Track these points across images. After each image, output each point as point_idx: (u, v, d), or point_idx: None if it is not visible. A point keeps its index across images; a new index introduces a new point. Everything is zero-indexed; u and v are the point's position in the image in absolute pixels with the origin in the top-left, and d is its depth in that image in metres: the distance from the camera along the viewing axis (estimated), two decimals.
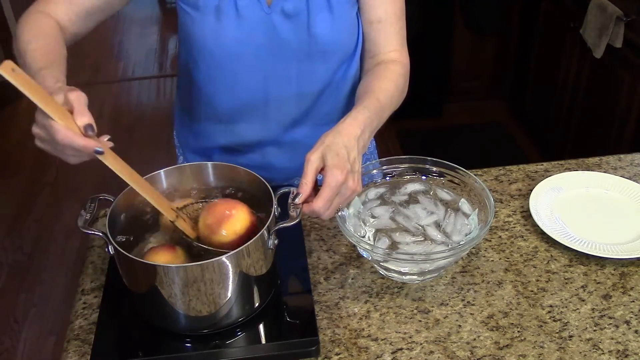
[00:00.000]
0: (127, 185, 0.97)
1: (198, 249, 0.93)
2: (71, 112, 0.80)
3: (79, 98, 0.81)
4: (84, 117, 0.79)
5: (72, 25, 1.07)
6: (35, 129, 0.82)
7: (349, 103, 1.22)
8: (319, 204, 0.88)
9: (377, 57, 1.16)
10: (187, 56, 1.17)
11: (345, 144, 0.92)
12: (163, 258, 0.91)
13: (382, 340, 0.94)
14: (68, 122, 0.79)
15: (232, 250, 0.86)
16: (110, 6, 1.11)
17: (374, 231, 1.05)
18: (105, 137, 0.84)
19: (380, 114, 1.03)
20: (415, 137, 3.07)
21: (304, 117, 1.21)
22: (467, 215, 1.06)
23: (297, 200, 0.89)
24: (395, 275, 1.02)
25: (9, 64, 0.73)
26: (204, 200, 1.01)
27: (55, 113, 0.78)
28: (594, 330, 0.95)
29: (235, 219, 0.91)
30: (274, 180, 1.10)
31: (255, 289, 0.93)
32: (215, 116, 1.22)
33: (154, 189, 0.93)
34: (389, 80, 1.10)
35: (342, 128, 0.95)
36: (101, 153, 0.81)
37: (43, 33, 1.00)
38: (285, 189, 0.98)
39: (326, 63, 1.15)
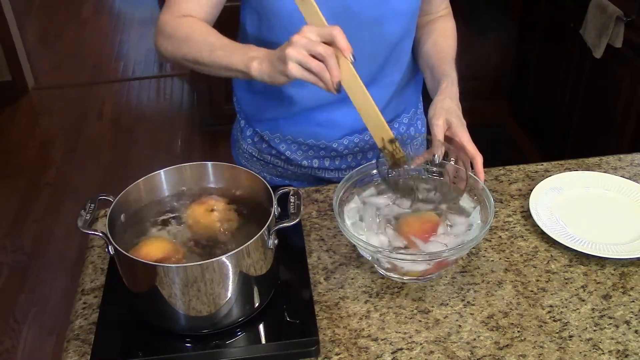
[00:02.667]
0: (127, 185, 0.97)
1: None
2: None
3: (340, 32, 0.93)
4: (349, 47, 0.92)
5: (210, 19, 1.14)
6: (292, 51, 0.92)
7: (409, 64, 1.29)
8: (476, 152, 1.06)
9: (431, 15, 1.30)
10: (260, 22, 1.18)
11: (457, 104, 1.12)
12: (154, 248, 0.91)
13: (382, 340, 0.94)
14: None
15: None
16: None
17: (377, 221, 1.05)
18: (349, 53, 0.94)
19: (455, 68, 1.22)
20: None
21: (371, 80, 1.23)
22: (467, 215, 1.06)
23: (437, 160, 1.06)
24: (395, 275, 1.02)
25: None
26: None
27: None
28: (594, 330, 0.95)
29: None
30: (332, 138, 1.28)
31: (255, 289, 0.93)
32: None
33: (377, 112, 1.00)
34: (452, 37, 1.30)
35: (449, 92, 1.13)
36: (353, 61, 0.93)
37: (202, 29, 1.10)
38: (285, 189, 0.98)
39: (395, 26, 1.18)
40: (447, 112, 1.08)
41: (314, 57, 0.92)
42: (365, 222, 1.04)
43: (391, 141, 1.02)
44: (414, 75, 1.34)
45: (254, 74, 1.00)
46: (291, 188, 0.98)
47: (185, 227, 0.98)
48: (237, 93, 1.36)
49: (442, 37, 1.28)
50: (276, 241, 0.92)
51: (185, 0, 1.12)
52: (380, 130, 1.01)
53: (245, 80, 1.29)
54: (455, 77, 1.19)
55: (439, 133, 1.07)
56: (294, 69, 0.93)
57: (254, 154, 1.36)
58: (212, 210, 0.98)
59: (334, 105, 1.24)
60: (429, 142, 1.10)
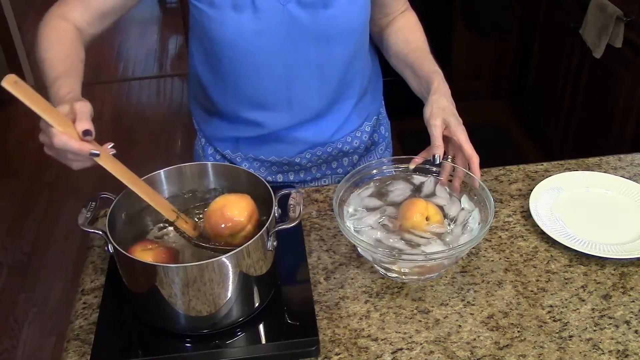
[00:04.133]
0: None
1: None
2: (74, 121, 0.85)
3: (82, 107, 0.87)
4: (83, 124, 0.85)
5: (89, 27, 1.13)
6: (41, 137, 0.88)
7: (365, 77, 1.28)
8: (473, 152, 1.06)
9: (391, 15, 1.28)
10: (205, 50, 1.18)
11: (451, 102, 1.12)
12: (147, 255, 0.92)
13: (382, 340, 0.94)
14: (68, 129, 0.84)
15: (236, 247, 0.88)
16: (123, 6, 1.15)
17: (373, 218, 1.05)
18: (109, 145, 0.89)
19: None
20: (415, 137, 3.07)
21: (330, 99, 1.23)
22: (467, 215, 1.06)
23: (437, 160, 1.05)
24: (395, 275, 1.02)
25: (11, 77, 0.79)
26: (205, 201, 1.02)
27: (55, 121, 0.83)
28: (594, 330, 0.95)
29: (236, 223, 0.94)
30: (293, 153, 1.27)
31: (255, 289, 0.93)
32: (241, 108, 1.22)
33: (153, 191, 0.95)
34: (420, 30, 1.28)
35: (443, 90, 1.12)
36: (97, 155, 0.86)
37: (60, 39, 1.07)
38: (286, 191, 0.98)
39: (345, 44, 1.17)
40: (444, 111, 1.08)
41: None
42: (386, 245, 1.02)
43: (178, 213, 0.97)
44: (371, 84, 1.33)
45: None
46: (292, 190, 0.98)
47: (181, 227, 0.98)
48: (193, 112, 1.36)
49: (411, 33, 1.27)
50: (275, 243, 0.92)
51: (73, 4, 1.11)
52: (165, 206, 0.96)
53: (200, 101, 1.30)
54: (441, 71, 1.18)
55: (437, 133, 1.06)
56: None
57: None
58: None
59: (295, 127, 1.25)
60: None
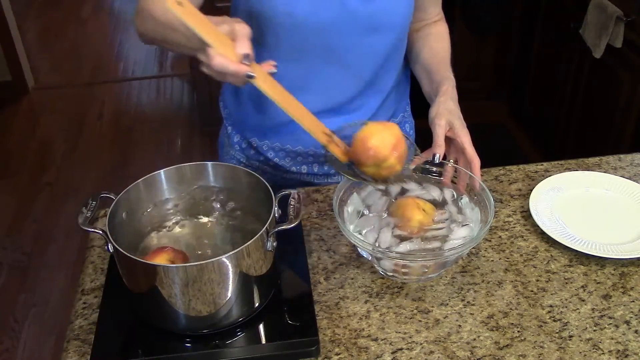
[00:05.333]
0: (127, 185, 0.97)
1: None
2: (234, 41, 0.86)
3: (242, 29, 0.87)
4: (243, 47, 0.86)
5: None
6: (201, 56, 0.88)
7: (397, 75, 1.29)
8: (475, 155, 1.07)
9: (424, 22, 1.31)
10: (251, 26, 1.17)
11: (457, 106, 1.13)
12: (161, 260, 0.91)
13: (382, 340, 0.94)
14: (227, 50, 0.85)
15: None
16: None
17: (373, 218, 1.05)
18: (272, 63, 0.90)
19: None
20: (415, 137, 3.07)
21: (362, 89, 1.24)
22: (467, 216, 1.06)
23: (437, 160, 1.06)
24: (395, 275, 1.02)
25: None
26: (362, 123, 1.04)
27: (215, 42, 0.84)
28: (594, 330, 0.95)
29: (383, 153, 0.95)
30: (319, 144, 1.22)
31: (255, 289, 0.93)
32: None
33: (308, 113, 0.97)
34: (447, 41, 1.30)
35: (451, 94, 1.14)
36: (252, 77, 0.87)
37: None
38: (286, 192, 0.98)
39: (387, 36, 1.18)
40: (450, 113, 1.09)
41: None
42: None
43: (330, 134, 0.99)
44: (401, 83, 1.34)
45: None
46: (292, 191, 0.98)
47: (186, 227, 0.98)
48: (225, 97, 1.35)
49: (437, 41, 1.29)
50: (275, 243, 0.92)
51: None
52: (318, 128, 0.98)
53: (234, 85, 1.29)
54: (454, 79, 1.19)
55: (440, 133, 1.07)
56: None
57: (241, 160, 1.35)
58: None
59: (322, 114, 1.24)
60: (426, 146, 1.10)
